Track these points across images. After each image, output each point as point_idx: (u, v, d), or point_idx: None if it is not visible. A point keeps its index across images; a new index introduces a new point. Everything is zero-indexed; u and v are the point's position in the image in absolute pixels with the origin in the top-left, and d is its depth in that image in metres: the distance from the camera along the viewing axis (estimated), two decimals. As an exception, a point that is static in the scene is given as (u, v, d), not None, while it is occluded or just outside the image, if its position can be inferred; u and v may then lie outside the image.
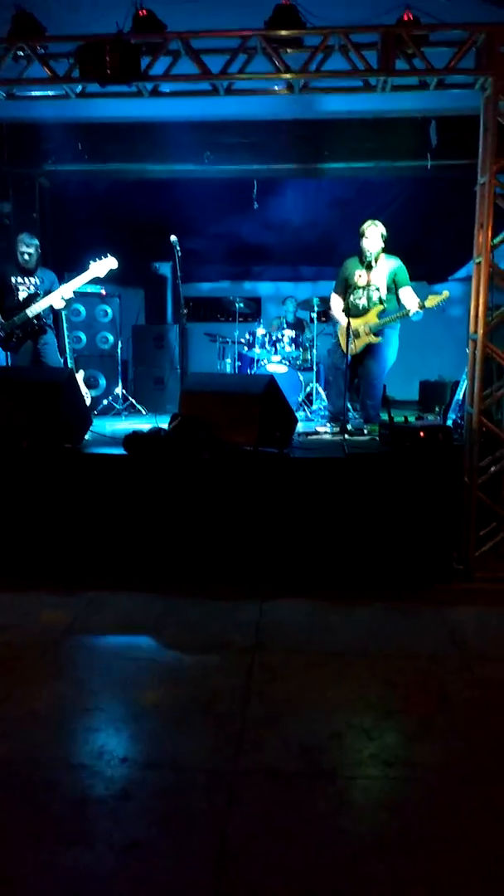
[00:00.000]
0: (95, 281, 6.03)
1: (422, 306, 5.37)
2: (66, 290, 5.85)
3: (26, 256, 5.89)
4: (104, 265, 5.88)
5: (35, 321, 5.87)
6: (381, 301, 5.57)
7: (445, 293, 5.31)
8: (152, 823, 2.22)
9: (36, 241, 5.95)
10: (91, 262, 5.88)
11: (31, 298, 5.87)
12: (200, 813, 2.26)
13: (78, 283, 5.86)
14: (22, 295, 5.91)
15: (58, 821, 2.23)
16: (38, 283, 5.94)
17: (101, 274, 5.90)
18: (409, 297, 5.50)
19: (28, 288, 5.93)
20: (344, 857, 2.07)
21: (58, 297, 5.84)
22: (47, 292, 5.86)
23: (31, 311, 5.83)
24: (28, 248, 5.88)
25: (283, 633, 3.72)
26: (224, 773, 2.47)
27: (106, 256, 5.89)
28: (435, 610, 4.01)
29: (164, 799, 2.34)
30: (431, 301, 5.31)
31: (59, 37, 4.58)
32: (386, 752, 2.61)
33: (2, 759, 2.56)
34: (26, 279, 5.95)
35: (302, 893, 1.94)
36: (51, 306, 5.92)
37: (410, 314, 5.43)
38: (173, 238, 5.99)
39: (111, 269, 5.91)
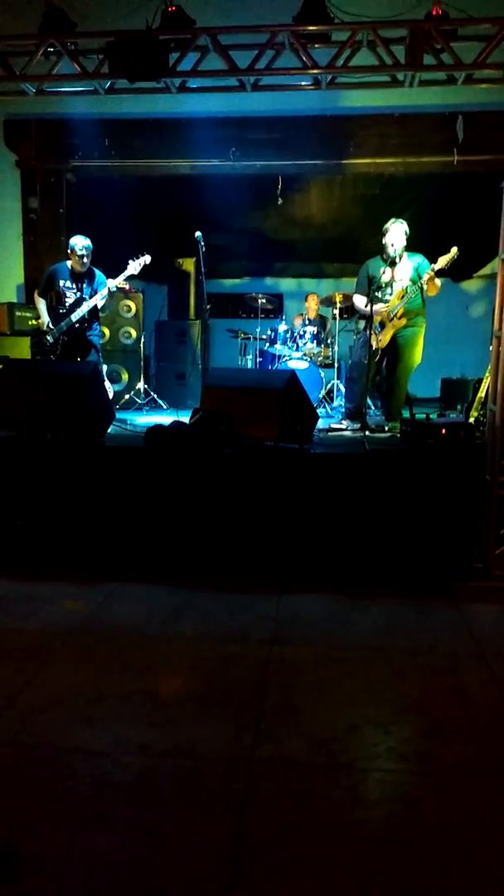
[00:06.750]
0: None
1: (434, 271, 5.30)
2: (106, 289, 5.87)
3: (80, 258, 5.79)
4: (139, 262, 5.91)
5: (77, 325, 5.87)
6: (404, 289, 5.52)
7: (454, 249, 5.23)
8: (169, 810, 2.25)
9: (89, 245, 5.82)
10: (129, 261, 5.89)
11: (77, 303, 5.86)
12: (217, 801, 2.29)
13: (117, 281, 5.88)
14: (69, 301, 5.89)
15: (78, 806, 2.27)
16: (87, 287, 5.87)
17: (137, 271, 5.92)
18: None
19: (75, 293, 5.89)
20: (359, 848, 2.09)
21: (99, 298, 5.85)
22: (93, 297, 5.84)
23: (75, 315, 5.83)
24: (81, 251, 5.78)
25: (301, 627, 3.74)
26: (241, 763, 2.49)
27: (142, 255, 5.92)
28: (453, 607, 4.01)
29: (181, 786, 2.37)
30: (442, 261, 5.24)
31: (90, 33, 4.63)
32: (402, 746, 2.63)
33: (24, 744, 2.61)
34: (75, 283, 5.89)
35: (317, 883, 1.97)
36: (97, 326, 6.03)
37: (424, 282, 5.38)
38: (198, 234, 6.02)
39: (144, 264, 5.95)
